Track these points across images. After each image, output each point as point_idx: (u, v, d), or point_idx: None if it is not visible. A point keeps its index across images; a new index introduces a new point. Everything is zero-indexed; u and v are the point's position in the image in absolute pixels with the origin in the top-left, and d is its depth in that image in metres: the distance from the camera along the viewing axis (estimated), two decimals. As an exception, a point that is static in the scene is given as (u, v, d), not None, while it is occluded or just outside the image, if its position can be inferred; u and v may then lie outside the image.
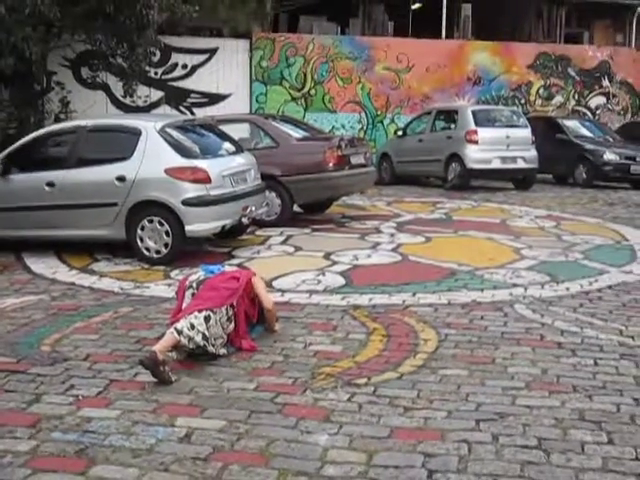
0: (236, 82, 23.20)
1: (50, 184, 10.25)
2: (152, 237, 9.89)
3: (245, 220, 10.69)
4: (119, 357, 6.19)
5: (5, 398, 5.32)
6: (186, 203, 9.74)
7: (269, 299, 6.79)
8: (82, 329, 6.99)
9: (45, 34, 16.75)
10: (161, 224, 9.83)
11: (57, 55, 19.87)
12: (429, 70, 24.02)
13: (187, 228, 9.79)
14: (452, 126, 19.52)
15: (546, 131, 20.68)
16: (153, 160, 9.93)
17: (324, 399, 5.26)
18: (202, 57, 22.91)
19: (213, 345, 6.07)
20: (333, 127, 23.29)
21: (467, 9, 25.93)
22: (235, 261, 9.88)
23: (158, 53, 20.25)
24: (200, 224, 9.90)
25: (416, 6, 27.87)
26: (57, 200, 10.23)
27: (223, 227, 10.25)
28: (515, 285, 8.73)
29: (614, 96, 25.46)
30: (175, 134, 10.43)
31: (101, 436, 4.67)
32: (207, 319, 6.04)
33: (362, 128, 23.88)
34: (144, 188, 9.87)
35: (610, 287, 8.72)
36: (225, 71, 23.08)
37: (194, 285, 6.54)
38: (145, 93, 21.76)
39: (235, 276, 6.69)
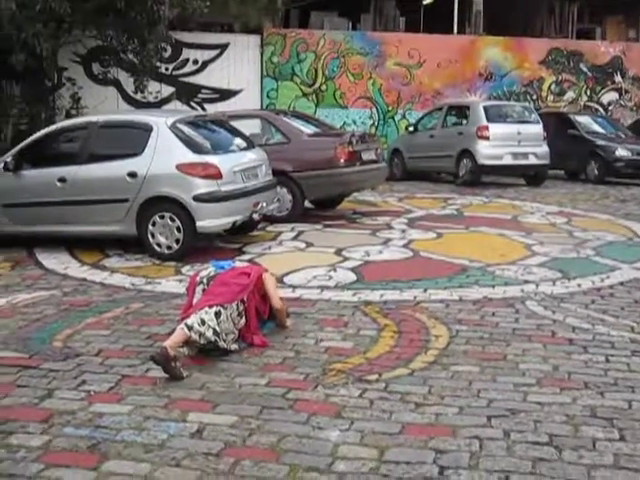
0: (247, 78, 23.17)
1: (61, 180, 10.27)
2: (163, 233, 9.90)
3: (256, 216, 10.69)
4: (131, 353, 6.20)
5: (17, 393, 5.34)
6: (197, 199, 9.75)
7: (278, 299, 6.77)
8: (94, 325, 7.01)
9: (56, 30, 16.77)
10: (172, 220, 9.84)
11: (68, 51, 19.90)
12: (440, 66, 23.93)
13: (198, 224, 9.79)
14: (463, 122, 19.50)
15: (558, 127, 20.61)
16: (164, 156, 9.94)
17: (335, 395, 5.27)
18: (213, 53, 22.89)
19: (224, 340, 6.08)
20: (344, 123, 23.24)
21: (479, 4, 25.87)
22: (246, 257, 9.89)
23: (169, 49, 20.31)
24: (211, 220, 9.90)
25: (427, 1, 27.85)
26: (68, 196, 10.25)
27: (234, 223, 10.25)
28: (526, 281, 8.71)
29: (626, 92, 25.32)
30: (186, 130, 10.43)
31: (113, 431, 4.68)
32: (218, 314, 6.05)
33: (373, 124, 23.82)
34: (155, 184, 9.88)
35: (622, 284, 8.69)
36: (236, 67, 23.06)
37: (205, 281, 6.55)
38: (156, 89, 21.73)
39: (246, 272, 6.69)
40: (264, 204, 10.72)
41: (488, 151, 18.37)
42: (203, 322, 5.93)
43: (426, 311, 7.43)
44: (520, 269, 9.32)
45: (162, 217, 9.88)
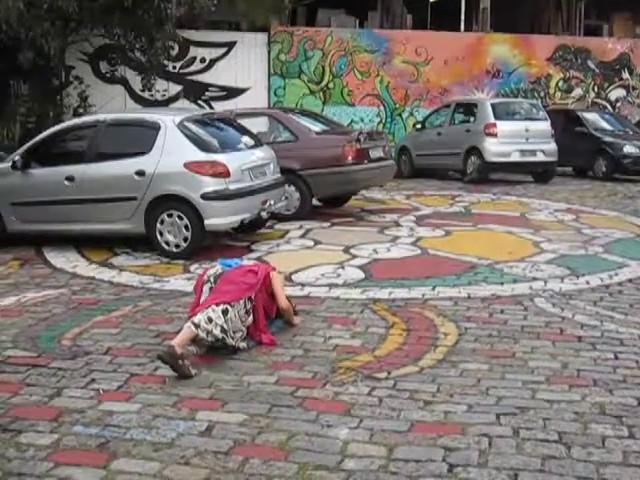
0: (254, 76, 23.18)
1: (70, 178, 10.28)
2: (171, 231, 9.91)
3: (264, 214, 10.69)
4: (139, 351, 6.21)
5: (27, 392, 5.35)
6: (205, 197, 9.75)
7: (284, 298, 6.76)
8: (102, 323, 7.03)
9: (63, 29, 16.83)
10: (180, 218, 9.85)
11: (75, 49, 19.95)
12: (448, 63, 23.91)
13: (206, 222, 9.80)
14: (471, 119, 19.46)
15: (565, 124, 20.59)
16: (172, 154, 9.94)
17: (344, 393, 5.27)
18: (220, 51, 22.90)
19: (232, 338, 6.08)
20: (352, 121, 23.24)
21: (486, 2, 25.80)
22: (254, 255, 9.89)
23: (176, 47, 20.31)
24: (219, 218, 9.91)
25: (435, -1, 27.81)
26: (76, 194, 10.26)
27: (242, 221, 10.26)
28: (535, 279, 8.70)
29: (634, 89, 25.26)
30: (194, 128, 10.44)
31: (122, 430, 4.69)
32: (225, 312, 6.05)
33: (381, 121, 23.81)
34: (163, 182, 9.89)
35: (630, 281, 8.69)
36: (243, 65, 23.07)
37: (212, 279, 6.55)
38: (164, 87, 21.81)
39: (253, 270, 6.69)
40: (272, 202, 10.72)
41: (496, 148, 18.34)
42: (210, 320, 5.93)
43: (435, 309, 7.43)
44: (528, 266, 9.31)
45: (170, 215, 9.89)
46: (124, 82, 21.82)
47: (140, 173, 9.93)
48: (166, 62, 19.71)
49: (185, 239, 9.87)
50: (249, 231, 11.15)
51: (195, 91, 22.73)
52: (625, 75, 25.18)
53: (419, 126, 20.99)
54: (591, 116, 21.73)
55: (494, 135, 18.37)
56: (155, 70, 18.70)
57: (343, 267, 9.26)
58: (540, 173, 19.42)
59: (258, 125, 13.17)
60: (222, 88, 22.90)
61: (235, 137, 11.18)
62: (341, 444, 4.49)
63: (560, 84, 24.86)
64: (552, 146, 18.94)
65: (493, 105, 19.24)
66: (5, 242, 10.63)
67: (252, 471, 4.19)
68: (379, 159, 13.43)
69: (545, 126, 19.13)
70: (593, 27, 27.70)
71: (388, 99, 23.86)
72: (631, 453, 4.38)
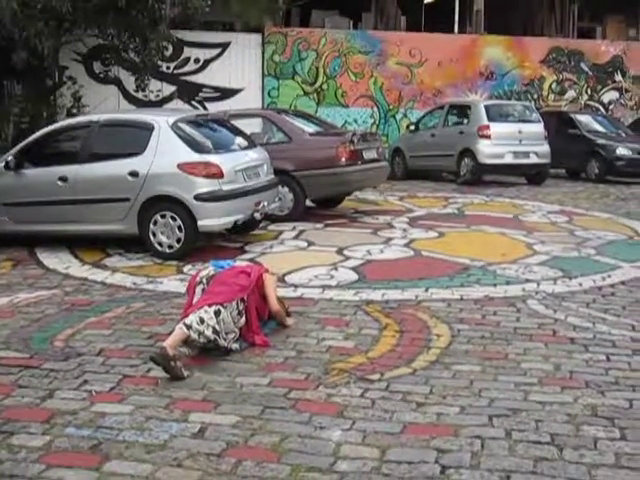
0: (248, 77, 23.19)
1: (63, 179, 10.27)
2: (165, 232, 9.89)
3: (258, 215, 10.69)
4: (132, 352, 6.20)
5: (19, 393, 5.34)
6: (199, 198, 9.74)
7: (275, 302, 6.75)
8: (95, 324, 7.01)
9: (57, 29, 16.80)
10: (174, 219, 9.83)
11: (69, 50, 19.93)
12: (441, 65, 23.95)
13: (200, 223, 9.79)
14: (464, 121, 19.50)
15: (559, 126, 20.64)
16: (166, 155, 9.94)
17: (337, 395, 5.27)
18: (214, 51, 22.91)
19: (225, 339, 6.07)
20: (345, 122, 23.26)
21: (479, 3, 25.83)
22: (247, 256, 9.89)
23: (170, 47, 20.27)
24: (213, 219, 9.90)
25: (428, 0, 27.80)
26: (70, 195, 10.25)
27: (236, 222, 10.25)
28: (528, 280, 8.72)
29: (627, 91, 25.35)
30: (188, 129, 10.43)
31: (115, 431, 4.68)
32: (217, 313, 6.04)
33: (374, 123, 23.83)
34: (157, 183, 9.88)
35: (623, 283, 8.70)
36: (237, 65, 23.08)
37: (204, 281, 6.55)
38: (157, 88, 21.80)
39: (246, 271, 6.69)
40: (265, 203, 10.71)
41: (489, 150, 18.38)
42: (202, 321, 5.93)
43: (428, 310, 7.44)
44: (521, 268, 9.32)
45: (163, 216, 9.88)
46: (118, 82, 21.81)
47: (133, 174, 9.92)
48: (160, 62, 19.69)
49: (178, 240, 9.86)
50: (242, 232, 11.14)
51: (189, 92, 22.73)
52: (618, 77, 25.27)
53: (413, 128, 21.01)
54: (584, 118, 21.79)
55: (487, 137, 18.41)
56: (149, 70, 18.68)
57: (336, 268, 9.26)
58: (533, 175, 19.46)
59: (252, 126, 13.18)
60: (216, 89, 22.91)
61: (229, 138, 11.17)
62: (334, 446, 4.49)
63: (553, 86, 24.92)
64: (545, 148, 18.99)
65: (486, 107, 19.27)
66: (-2, 243, 10.62)
67: (245, 473, 4.19)
68: (373, 160, 13.44)
69: (538, 128, 19.17)
70: (586, 29, 27.77)
71: (382, 100, 23.88)
72: (623, 455, 4.38)
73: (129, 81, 20.39)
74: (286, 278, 8.69)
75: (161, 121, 10.28)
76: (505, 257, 9.94)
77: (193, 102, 22.70)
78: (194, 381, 5.56)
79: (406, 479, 4.13)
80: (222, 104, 21.49)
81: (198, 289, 6.51)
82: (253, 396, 5.25)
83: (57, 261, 9.89)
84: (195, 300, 6.40)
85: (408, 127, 21.59)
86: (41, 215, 10.46)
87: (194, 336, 5.87)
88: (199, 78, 22.89)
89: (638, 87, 25.40)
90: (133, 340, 6.53)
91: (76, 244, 10.59)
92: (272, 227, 11.94)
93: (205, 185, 9.84)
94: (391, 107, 23.95)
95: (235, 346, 6.18)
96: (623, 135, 21.22)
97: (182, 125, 10.39)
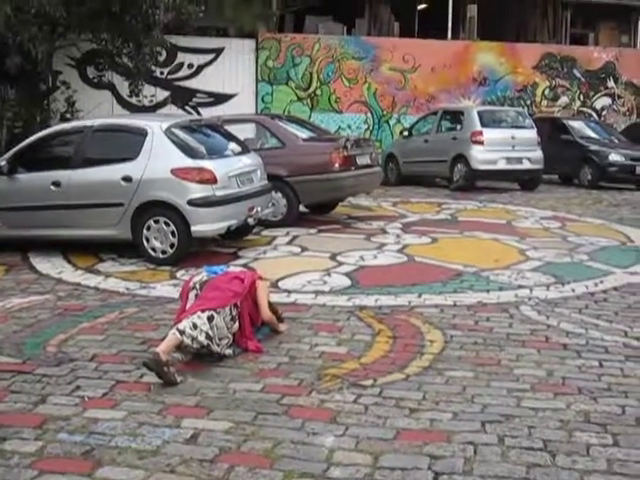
0: (242, 82, 23.23)
1: (56, 184, 10.25)
2: (158, 237, 9.88)
3: (251, 220, 10.68)
4: (125, 358, 6.20)
5: (11, 399, 5.33)
6: (192, 203, 9.74)
7: (267, 310, 6.73)
8: (88, 329, 7.00)
9: (51, 34, 16.81)
10: (167, 224, 9.82)
11: (63, 54, 19.93)
12: (435, 70, 24.03)
13: (193, 228, 9.79)
14: (458, 127, 19.50)
15: (551, 132, 20.67)
16: (159, 160, 9.93)
17: (330, 400, 5.27)
18: (208, 57, 22.95)
19: (218, 345, 6.07)
20: (339, 127, 23.31)
21: (473, 10, 25.90)
22: (241, 261, 9.89)
23: (164, 52, 20.28)
24: (206, 224, 9.90)
25: (422, 7, 27.86)
26: (63, 200, 10.23)
27: (229, 227, 10.25)
28: (520, 286, 8.73)
29: (619, 97, 25.46)
30: (181, 134, 10.43)
31: (107, 437, 4.68)
32: (210, 319, 6.04)
33: (368, 128, 23.89)
34: (150, 188, 9.88)
35: (615, 288, 8.72)
36: (231, 71, 23.11)
37: (197, 286, 6.54)
38: (151, 93, 21.82)
39: (239, 277, 6.69)
40: (259, 209, 10.71)
41: (482, 156, 18.38)
42: (195, 326, 5.93)
43: (421, 316, 7.44)
44: (514, 274, 9.33)
45: (157, 221, 9.87)
46: (111, 87, 21.84)
47: (127, 179, 9.91)
48: (154, 68, 19.70)
49: (172, 245, 9.85)
50: (236, 237, 11.13)
51: (183, 97, 22.76)
52: (610, 84, 25.38)
53: (406, 133, 21.00)
54: (577, 124, 21.85)
55: (480, 143, 18.41)
56: (143, 76, 18.69)
57: (330, 274, 9.26)
58: (526, 181, 19.47)
59: (245, 131, 13.19)
60: (210, 94, 22.95)
61: (222, 144, 11.17)
62: (327, 452, 4.50)
63: (546, 92, 25.02)
64: (538, 154, 19.00)
65: (480, 113, 19.29)
66: (-9, 247, 10.60)
67: (237, 479, 4.19)
68: (366, 166, 13.45)
69: (531, 134, 19.19)
70: (579, 36, 27.84)
71: (375, 106, 23.94)
72: (615, 461, 4.39)
73: (123, 86, 20.42)
74: (279, 284, 8.69)
75: (155, 126, 10.28)
76: (498, 263, 9.95)
77: (187, 107, 22.74)
78: (187, 387, 5.55)
79: (399, 485, 4.14)
80: (216, 109, 21.53)
81: (191, 294, 6.51)
82: (246, 402, 5.25)
83: (50, 266, 9.88)
84: (188, 306, 6.39)
85: (401, 133, 21.60)
86: (34, 220, 10.44)
87: (187, 342, 5.86)
88: (193, 83, 22.92)
89: (631, 93, 25.52)
90: (126, 345, 6.52)
91: (69, 249, 10.56)
92: (265, 232, 11.93)
93: (198, 190, 9.83)
94: (384, 113, 24.01)
95: (228, 352, 6.18)
96: (616, 141, 21.28)
97: (176, 130, 10.38)
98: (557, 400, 5.30)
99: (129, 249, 10.22)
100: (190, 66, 22.82)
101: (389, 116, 24.02)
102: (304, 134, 13.86)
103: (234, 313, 6.33)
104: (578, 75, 25.11)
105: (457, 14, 26.25)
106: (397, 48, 23.97)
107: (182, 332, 5.85)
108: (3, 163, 10.61)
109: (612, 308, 7.84)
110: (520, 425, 4.87)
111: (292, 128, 13.83)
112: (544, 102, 24.99)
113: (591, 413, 5.07)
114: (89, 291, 8.58)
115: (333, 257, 10.20)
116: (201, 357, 6.05)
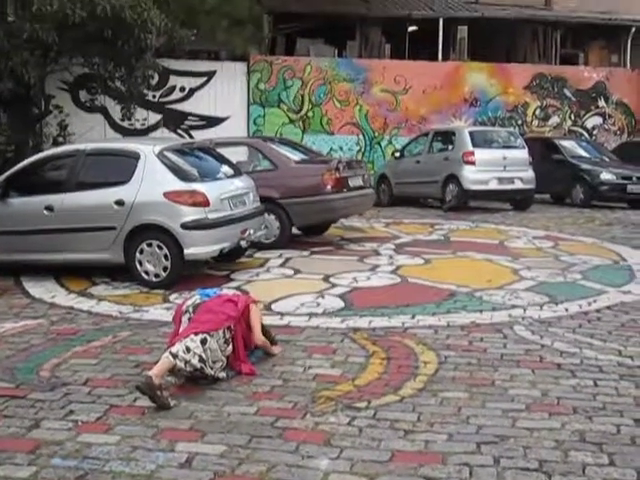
0: (234, 105, 23.27)
1: (49, 208, 10.25)
2: (151, 261, 9.88)
3: (244, 243, 10.69)
4: (118, 382, 6.18)
5: (4, 424, 5.31)
6: (185, 226, 9.74)
7: (260, 335, 6.72)
8: (81, 354, 6.98)
9: (43, 58, 16.81)
10: (160, 248, 9.82)
11: (55, 79, 19.94)
12: (426, 92, 24.10)
13: (186, 251, 9.78)
14: (449, 147, 19.56)
15: (543, 152, 20.72)
16: (152, 184, 9.94)
17: (324, 423, 5.25)
18: (200, 80, 22.99)
19: (211, 368, 6.06)
20: (331, 149, 23.36)
21: (463, 31, 26.01)
22: (234, 284, 9.88)
23: (156, 76, 20.30)
24: (199, 247, 9.90)
25: (412, 28, 27.99)
26: (56, 224, 10.22)
27: (222, 250, 10.24)
28: (514, 306, 8.73)
29: (610, 116, 25.56)
30: (174, 158, 10.43)
31: (101, 462, 4.66)
32: (204, 342, 6.03)
33: (360, 150, 23.93)
34: (143, 212, 9.88)
35: (609, 307, 8.72)
36: (223, 94, 23.15)
37: (190, 309, 6.52)
38: (143, 116, 21.84)
39: (232, 299, 6.68)
40: (251, 231, 10.72)
41: (474, 176, 18.43)
42: (188, 349, 5.91)
43: (414, 337, 7.43)
44: (507, 294, 9.34)
45: (150, 245, 9.86)
46: (104, 111, 21.86)
47: (119, 202, 9.91)
48: (146, 91, 19.69)
49: (165, 268, 9.84)
50: (229, 260, 11.13)
51: (175, 120, 22.79)
52: (601, 103, 25.49)
53: (398, 154, 21.08)
54: (568, 144, 21.93)
55: (472, 163, 18.46)
56: (135, 99, 18.69)
57: (323, 296, 9.25)
58: (518, 200, 19.53)
59: (238, 154, 13.22)
60: (202, 117, 22.98)
61: (214, 166, 11.18)
62: (321, 475, 4.48)
63: (537, 112, 25.11)
64: (530, 174, 19.05)
65: (471, 133, 19.36)
66: (-17, 272, 10.57)
67: (232, 503, 4.18)
68: (358, 188, 13.48)
69: (523, 154, 19.25)
70: (569, 56, 27.97)
71: (367, 128, 23.99)
72: (611, 481, 4.39)
73: (115, 110, 20.40)
74: (272, 306, 8.68)
75: (147, 150, 10.29)
76: (491, 283, 9.95)
77: (179, 130, 22.76)
78: (181, 410, 5.53)
79: (394, 507, 4.12)
80: (208, 132, 21.56)
81: (184, 318, 6.49)
82: (240, 425, 5.23)
83: (43, 290, 9.85)
84: (182, 329, 6.38)
85: (393, 154, 21.66)
86: (27, 244, 10.42)
87: (180, 365, 5.85)
88: (185, 106, 22.95)
89: (621, 112, 25.62)
90: (119, 369, 6.51)
91: (62, 273, 10.54)
92: (258, 255, 11.93)
93: (191, 213, 9.84)
94: (376, 134, 24.06)
95: (222, 375, 6.16)
96: (607, 160, 21.34)
97: (168, 154, 10.39)
98: (552, 420, 5.30)
99: (122, 272, 10.21)
100: (182, 89, 22.86)
101: (381, 137, 24.07)
102: (296, 156, 13.89)
103: (227, 336, 6.32)
104: (569, 95, 25.23)
105: (447, 35, 26.34)
106: (388, 70, 24.06)
107: (175, 355, 5.84)
108: (-4, 187, 10.61)
109: (606, 327, 7.84)
110: (515, 445, 4.86)
111: (284, 150, 13.85)
112: (535, 122, 25.08)
113: (586, 432, 5.07)
114: (82, 315, 8.55)
115: (326, 279, 10.19)
116: (195, 380, 6.03)
